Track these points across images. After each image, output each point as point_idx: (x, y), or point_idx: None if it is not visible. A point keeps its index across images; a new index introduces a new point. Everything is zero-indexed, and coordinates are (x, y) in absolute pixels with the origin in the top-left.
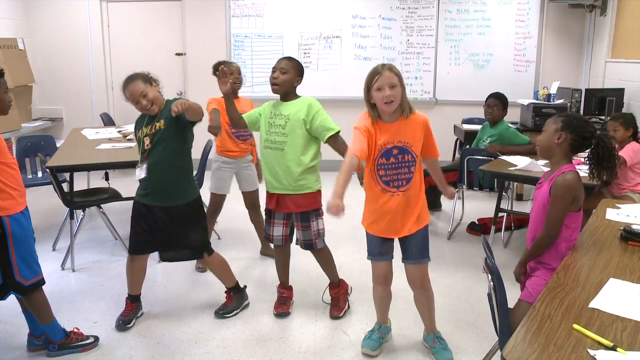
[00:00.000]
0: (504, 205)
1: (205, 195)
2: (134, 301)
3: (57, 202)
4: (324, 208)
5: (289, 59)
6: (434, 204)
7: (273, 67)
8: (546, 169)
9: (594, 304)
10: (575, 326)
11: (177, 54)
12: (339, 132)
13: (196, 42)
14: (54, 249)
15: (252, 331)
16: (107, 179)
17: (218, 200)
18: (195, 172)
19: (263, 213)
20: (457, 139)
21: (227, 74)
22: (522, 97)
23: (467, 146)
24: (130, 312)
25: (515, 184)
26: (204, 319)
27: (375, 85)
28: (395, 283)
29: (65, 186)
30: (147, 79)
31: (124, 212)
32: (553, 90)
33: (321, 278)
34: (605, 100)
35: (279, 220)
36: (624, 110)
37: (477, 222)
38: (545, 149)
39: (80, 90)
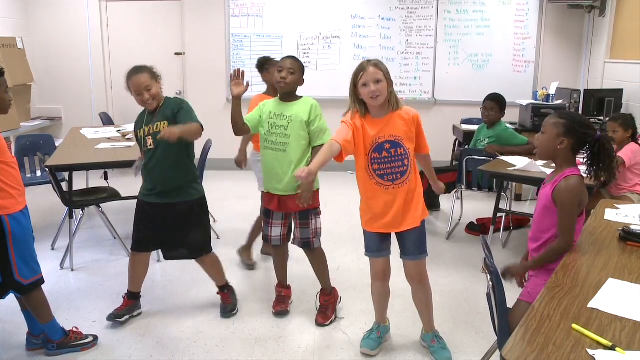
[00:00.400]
0: (503, 205)
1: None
2: (131, 298)
3: (56, 202)
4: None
5: (295, 58)
6: (432, 204)
7: (279, 67)
8: (545, 170)
9: (592, 304)
10: (574, 326)
11: (176, 54)
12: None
13: (195, 42)
14: (52, 248)
15: (251, 330)
16: (106, 178)
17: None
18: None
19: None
20: (456, 139)
21: (240, 75)
22: (520, 98)
23: (466, 146)
24: (125, 308)
25: (514, 184)
26: (203, 318)
27: (361, 81)
28: (393, 283)
29: (64, 185)
30: (153, 74)
31: (123, 212)
32: (552, 90)
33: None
34: (604, 101)
35: (277, 220)
36: (622, 111)
37: (475, 223)
38: (546, 153)
39: (79, 90)
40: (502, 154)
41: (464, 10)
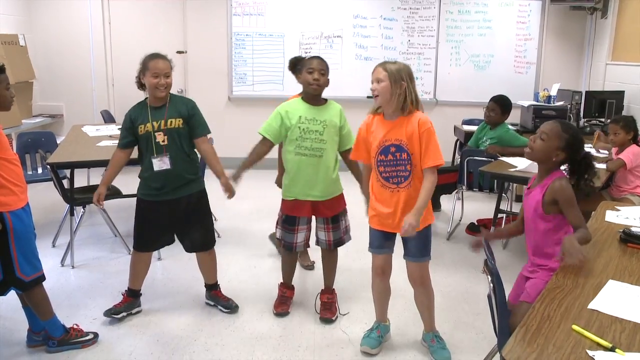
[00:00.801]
0: (504, 206)
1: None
2: (130, 295)
3: (57, 199)
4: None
5: (322, 58)
6: (434, 205)
7: (310, 68)
8: None
9: (593, 305)
10: (575, 327)
11: (178, 52)
12: None
13: (197, 40)
14: (53, 246)
15: (251, 329)
16: None
17: None
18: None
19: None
20: (457, 140)
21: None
22: (522, 99)
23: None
24: (123, 305)
25: (515, 185)
26: (204, 316)
27: (371, 78)
28: (394, 282)
29: (65, 183)
30: (171, 66)
31: (124, 209)
32: (553, 92)
33: (321, 278)
34: (605, 103)
35: (303, 225)
36: (623, 112)
37: (476, 223)
38: (539, 158)
39: (81, 87)
40: (503, 155)
41: (466, 11)
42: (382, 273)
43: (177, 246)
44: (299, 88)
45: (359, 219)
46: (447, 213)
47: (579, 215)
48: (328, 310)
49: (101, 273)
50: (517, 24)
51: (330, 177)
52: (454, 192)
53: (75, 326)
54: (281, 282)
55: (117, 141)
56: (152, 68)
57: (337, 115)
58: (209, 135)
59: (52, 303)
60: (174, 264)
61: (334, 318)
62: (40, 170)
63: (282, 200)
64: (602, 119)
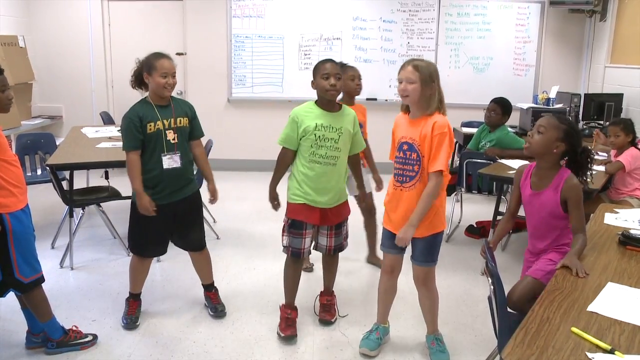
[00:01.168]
0: (503, 208)
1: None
2: (137, 299)
3: (57, 200)
4: None
5: (335, 62)
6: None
7: (325, 73)
8: None
9: (592, 307)
10: (574, 329)
11: (178, 54)
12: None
13: (197, 42)
14: (52, 247)
15: (250, 331)
16: (106, 177)
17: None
18: (195, 171)
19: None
20: (456, 142)
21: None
22: (521, 101)
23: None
24: (136, 310)
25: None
26: (203, 318)
27: (398, 77)
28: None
29: (64, 184)
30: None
31: (123, 211)
32: (552, 94)
33: (319, 279)
34: (604, 105)
35: (309, 230)
36: (622, 115)
37: (475, 225)
38: (539, 153)
39: (80, 89)
40: (502, 158)
41: (465, 13)
42: (390, 271)
43: (175, 247)
44: (302, 91)
45: (359, 222)
46: (446, 215)
47: (583, 218)
48: (327, 312)
49: (100, 275)
50: (516, 27)
51: (341, 185)
52: (453, 194)
53: (74, 328)
54: (284, 304)
55: (116, 143)
56: (160, 68)
57: (352, 122)
58: (210, 137)
59: (51, 305)
60: (172, 265)
61: (333, 320)
62: (39, 172)
63: (289, 203)
64: (601, 122)
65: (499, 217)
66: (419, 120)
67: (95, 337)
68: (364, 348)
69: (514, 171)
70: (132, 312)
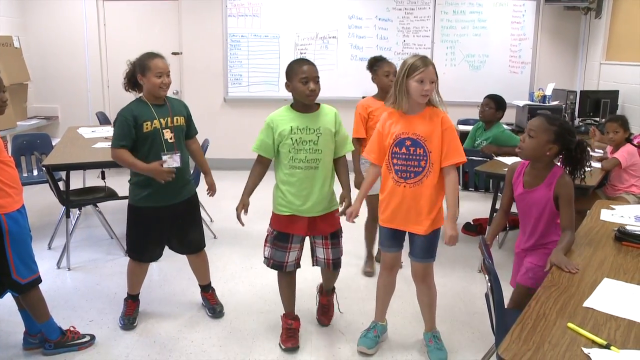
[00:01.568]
0: (499, 205)
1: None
2: (135, 300)
3: (53, 201)
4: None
5: (312, 63)
6: None
7: (304, 77)
8: None
9: (588, 303)
10: (570, 325)
11: (174, 53)
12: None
13: (192, 42)
14: (49, 248)
15: (248, 330)
16: (103, 177)
17: (374, 200)
18: (192, 171)
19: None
20: None
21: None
22: (517, 99)
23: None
24: (134, 311)
25: None
26: (200, 318)
27: (418, 77)
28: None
29: (61, 185)
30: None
31: (120, 211)
32: (548, 91)
33: (317, 279)
34: (600, 102)
35: (296, 244)
36: (618, 112)
37: (472, 223)
38: (532, 156)
39: (76, 89)
40: (498, 155)
41: (461, 11)
42: (390, 268)
43: None
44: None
45: (358, 222)
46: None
47: (573, 216)
48: (325, 315)
49: (97, 275)
50: (512, 24)
51: (327, 190)
52: None
53: (71, 328)
54: (284, 314)
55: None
56: (155, 68)
57: (332, 120)
58: (206, 137)
59: (48, 305)
60: (170, 265)
61: (328, 325)
62: (35, 172)
63: (274, 214)
64: (597, 119)
65: (495, 214)
66: (419, 115)
67: (92, 337)
68: (361, 346)
69: None
70: (130, 312)
